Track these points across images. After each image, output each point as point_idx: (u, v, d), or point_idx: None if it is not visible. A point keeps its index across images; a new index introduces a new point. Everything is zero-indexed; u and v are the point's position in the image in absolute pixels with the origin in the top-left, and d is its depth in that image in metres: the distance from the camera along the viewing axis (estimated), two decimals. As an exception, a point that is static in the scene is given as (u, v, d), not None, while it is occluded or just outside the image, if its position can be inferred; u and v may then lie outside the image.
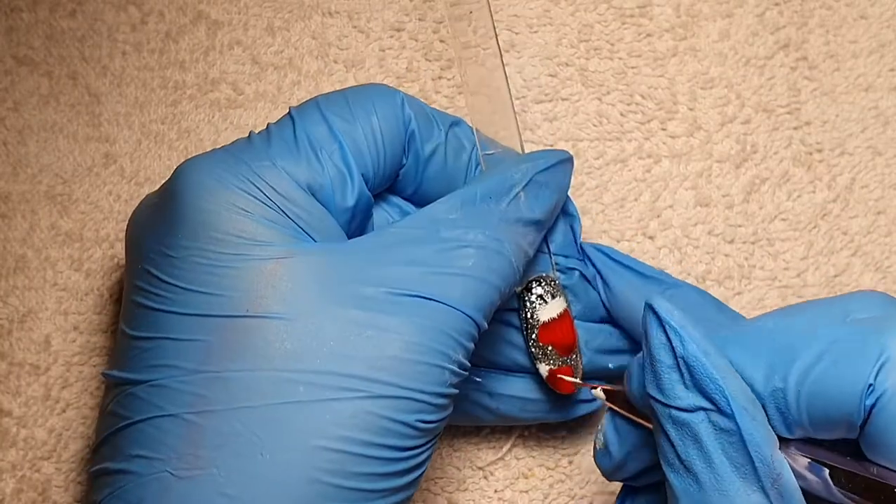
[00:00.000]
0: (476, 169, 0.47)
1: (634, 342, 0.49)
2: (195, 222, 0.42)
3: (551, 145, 0.53)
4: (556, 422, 0.51)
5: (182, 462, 0.40)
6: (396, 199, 0.47)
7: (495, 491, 0.51)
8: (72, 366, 0.51)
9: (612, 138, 0.53)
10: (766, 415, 0.38)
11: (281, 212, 0.42)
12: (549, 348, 0.47)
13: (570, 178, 0.47)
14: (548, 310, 0.47)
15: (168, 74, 0.53)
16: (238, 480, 0.40)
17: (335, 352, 0.40)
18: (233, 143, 0.44)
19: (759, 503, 0.37)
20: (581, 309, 0.48)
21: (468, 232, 0.43)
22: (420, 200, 0.47)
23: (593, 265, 0.49)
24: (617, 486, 0.51)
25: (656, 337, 0.38)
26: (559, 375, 0.47)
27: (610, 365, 0.49)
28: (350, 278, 0.41)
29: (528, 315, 0.47)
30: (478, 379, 0.48)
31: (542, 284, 0.47)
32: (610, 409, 0.43)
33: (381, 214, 0.47)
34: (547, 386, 0.48)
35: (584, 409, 0.50)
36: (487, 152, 0.47)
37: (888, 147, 0.54)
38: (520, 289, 0.47)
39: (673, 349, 0.38)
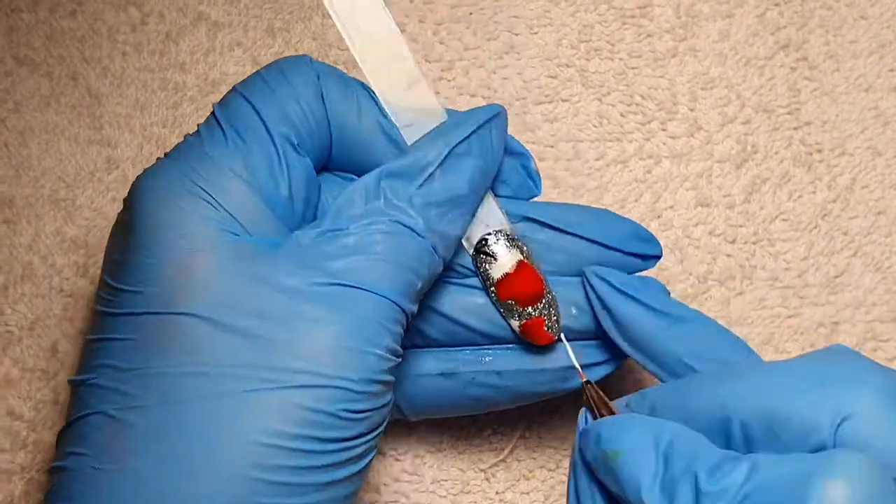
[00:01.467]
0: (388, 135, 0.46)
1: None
2: (140, 226, 0.42)
3: (552, 146, 0.53)
4: (560, 419, 0.51)
5: (106, 457, 0.40)
6: (342, 176, 0.47)
7: (497, 493, 0.51)
8: (79, 370, 0.51)
9: (612, 139, 0.53)
10: None
11: (216, 204, 0.42)
12: (512, 303, 0.46)
13: (502, 134, 0.46)
14: (498, 266, 0.46)
15: (168, 76, 0.53)
16: (159, 474, 0.40)
17: (255, 344, 0.40)
18: (174, 147, 0.44)
19: None
20: (562, 262, 0.47)
21: (376, 220, 0.43)
22: (345, 168, 0.47)
23: (596, 295, 0.47)
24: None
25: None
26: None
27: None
28: (271, 271, 0.41)
29: (483, 276, 0.47)
30: (487, 359, 0.47)
31: (490, 241, 0.46)
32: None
33: (329, 196, 0.46)
34: (554, 355, 0.47)
35: (595, 374, 0.48)
36: (406, 124, 0.46)
37: (888, 147, 0.54)
38: (471, 251, 0.47)
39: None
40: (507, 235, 0.46)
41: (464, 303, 0.47)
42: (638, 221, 0.52)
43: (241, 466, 0.39)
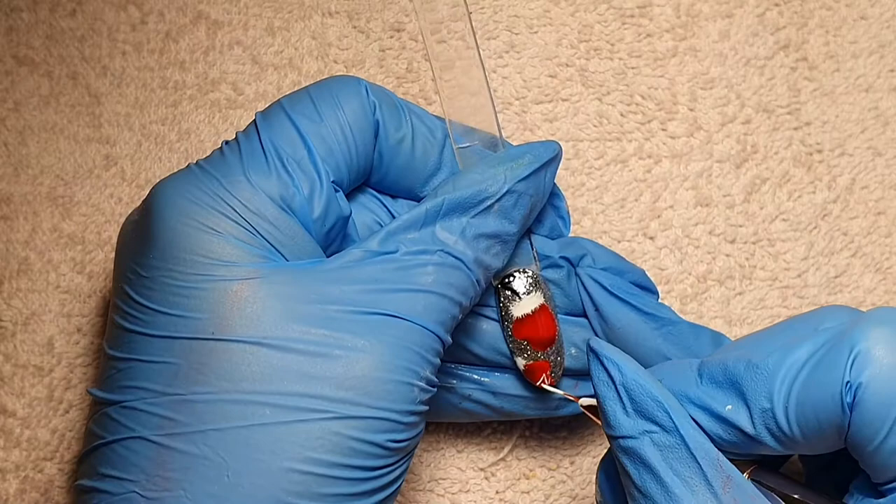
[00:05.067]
0: (451, 162, 0.46)
1: None
2: (165, 242, 0.42)
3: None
4: (561, 418, 0.51)
5: (150, 483, 0.40)
6: (379, 196, 0.47)
7: (497, 492, 0.51)
8: (75, 367, 0.51)
9: (612, 139, 0.53)
10: (762, 441, 0.39)
11: (252, 230, 0.42)
12: (525, 343, 0.47)
13: (553, 176, 0.47)
14: (521, 306, 0.47)
15: (168, 74, 0.53)
16: (204, 502, 0.40)
17: (302, 372, 0.40)
18: (208, 157, 0.44)
19: None
20: (565, 302, 0.48)
21: (428, 249, 0.43)
22: (387, 189, 0.46)
23: (589, 296, 0.48)
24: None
25: (597, 374, 0.40)
26: (541, 382, 0.47)
27: None
28: (315, 298, 0.41)
29: (502, 310, 0.47)
30: (485, 380, 0.48)
31: (518, 279, 0.47)
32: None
33: (368, 216, 0.46)
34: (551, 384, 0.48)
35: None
36: (462, 145, 0.46)
37: (888, 148, 0.54)
38: (496, 283, 0.47)
39: (612, 380, 0.40)
40: (534, 276, 0.47)
41: (467, 326, 0.47)
42: (637, 221, 0.53)
43: (286, 494, 0.40)
